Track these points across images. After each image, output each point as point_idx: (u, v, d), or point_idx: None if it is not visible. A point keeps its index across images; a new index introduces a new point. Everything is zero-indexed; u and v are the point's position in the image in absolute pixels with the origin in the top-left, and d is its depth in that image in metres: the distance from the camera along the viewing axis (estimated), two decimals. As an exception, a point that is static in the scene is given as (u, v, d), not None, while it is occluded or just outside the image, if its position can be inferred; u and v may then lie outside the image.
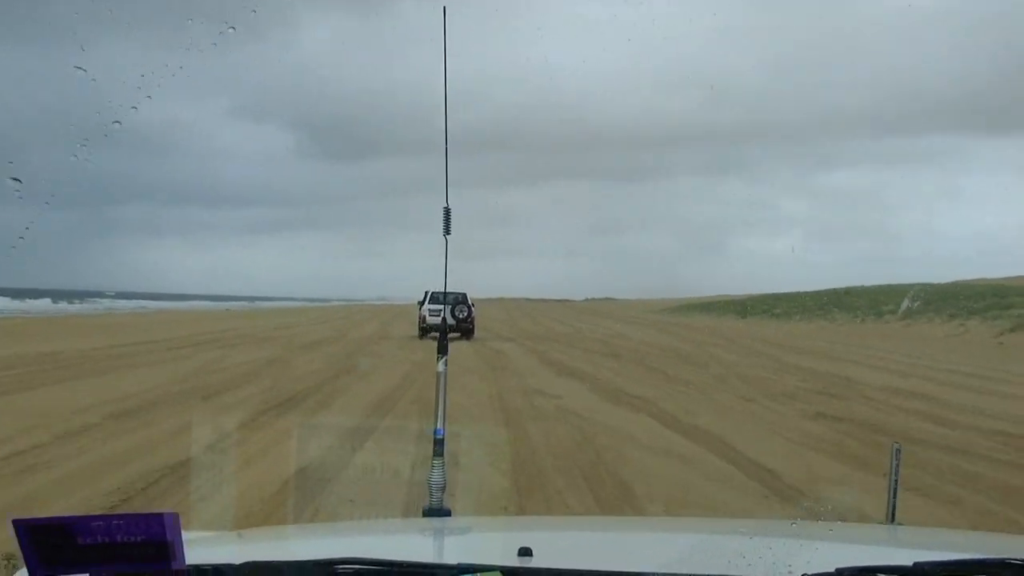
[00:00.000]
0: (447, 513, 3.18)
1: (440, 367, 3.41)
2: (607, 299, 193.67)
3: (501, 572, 1.78)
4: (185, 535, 1.63)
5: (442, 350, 3.48)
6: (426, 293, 39.63)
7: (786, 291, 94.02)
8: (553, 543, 2.65)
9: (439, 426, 3.33)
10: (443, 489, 3.20)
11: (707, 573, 1.96)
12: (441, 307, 38.40)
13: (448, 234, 3.43)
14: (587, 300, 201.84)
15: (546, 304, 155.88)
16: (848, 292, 77.29)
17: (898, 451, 3.23)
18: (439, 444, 3.32)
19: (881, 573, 1.91)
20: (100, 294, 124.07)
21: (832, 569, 1.89)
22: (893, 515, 3.16)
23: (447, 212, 3.43)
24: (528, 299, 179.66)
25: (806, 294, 79.99)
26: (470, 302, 40.31)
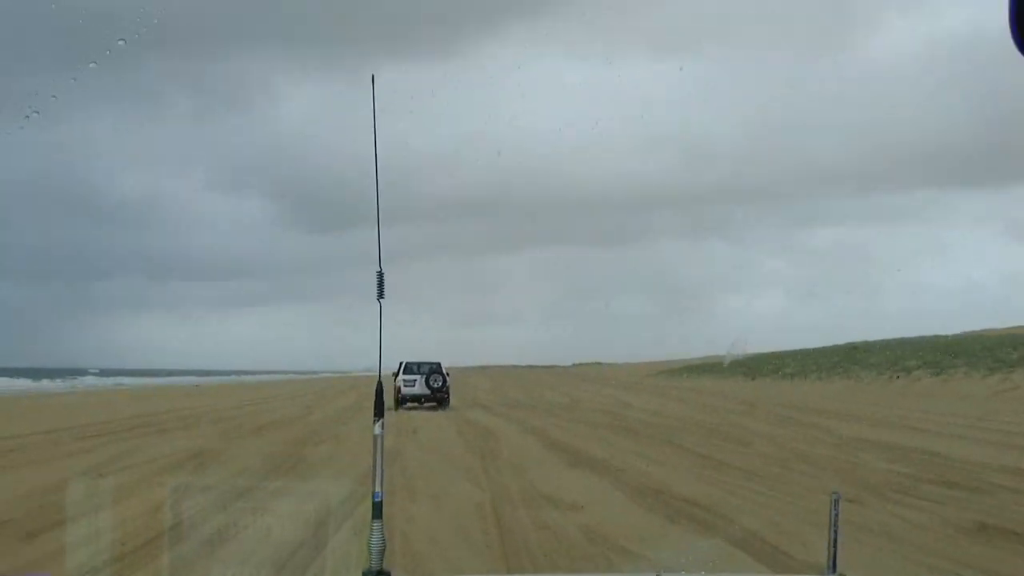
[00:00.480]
0: (387, 575, 3.06)
1: (376, 430, 3.20)
2: (595, 363, 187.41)
3: None
4: None
5: (378, 413, 3.27)
6: (400, 364, 38.42)
7: (782, 349, 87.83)
8: None
9: (377, 489, 3.15)
10: (383, 551, 3.08)
11: None
12: (415, 377, 38.55)
13: (382, 298, 3.27)
14: (575, 365, 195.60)
15: (534, 371, 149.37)
16: (856, 348, 71.14)
17: (836, 501, 3.07)
18: (377, 507, 3.14)
19: None
20: (84, 371, 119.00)
21: None
22: (834, 566, 2.99)
23: (380, 277, 3.26)
24: (515, 366, 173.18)
25: (810, 351, 73.81)
26: (445, 371, 39.08)
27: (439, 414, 35.16)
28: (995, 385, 42.23)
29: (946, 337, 73.49)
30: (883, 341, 76.02)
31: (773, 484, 15.21)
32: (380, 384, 3.37)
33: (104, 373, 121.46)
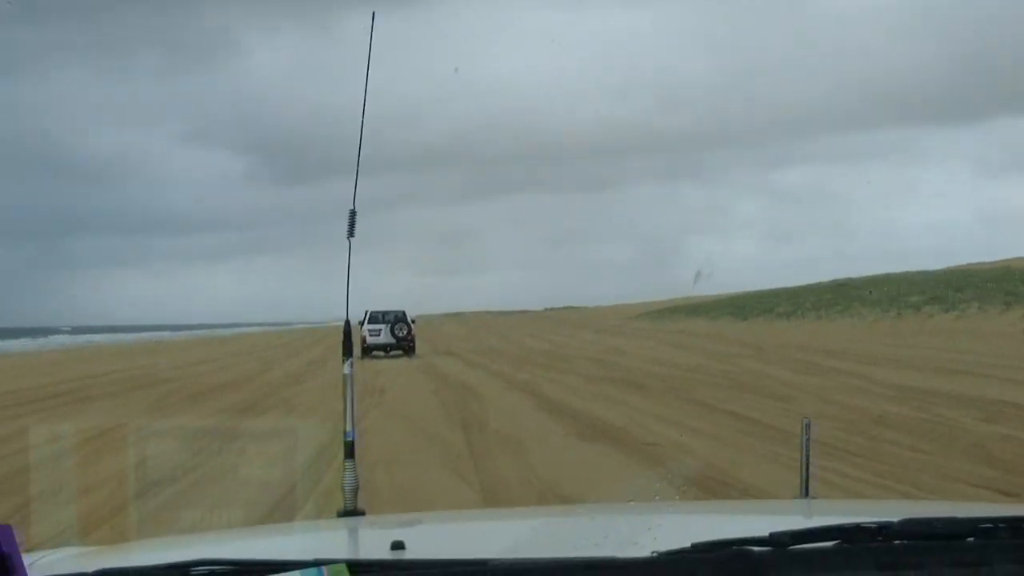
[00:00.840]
0: (361, 514, 2.93)
1: (346, 370, 3.12)
2: (567, 308, 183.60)
3: (360, 566, 1.69)
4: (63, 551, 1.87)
5: (347, 353, 3.16)
6: (366, 313, 36.89)
7: (761, 288, 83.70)
8: (428, 535, 2.54)
9: (348, 428, 3.04)
10: (356, 491, 2.95)
11: (551, 556, 1.77)
12: (380, 326, 37.81)
13: (352, 236, 3.11)
14: (547, 310, 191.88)
15: (507, 316, 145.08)
16: (844, 284, 67.01)
17: (808, 426, 3.06)
18: (349, 447, 3.01)
19: (736, 545, 1.70)
20: (56, 330, 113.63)
21: (688, 544, 1.72)
22: (806, 490, 2.90)
23: (352, 215, 3.10)
24: (487, 312, 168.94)
25: (795, 289, 69.53)
26: (410, 320, 38.60)
27: (410, 367, 30.69)
28: (1019, 321, 38.09)
29: (932, 272, 69.56)
30: (869, 277, 71.94)
31: (875, 465, 10.79)
32: (348, 323, 3.14)
33: (77, 331, 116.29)
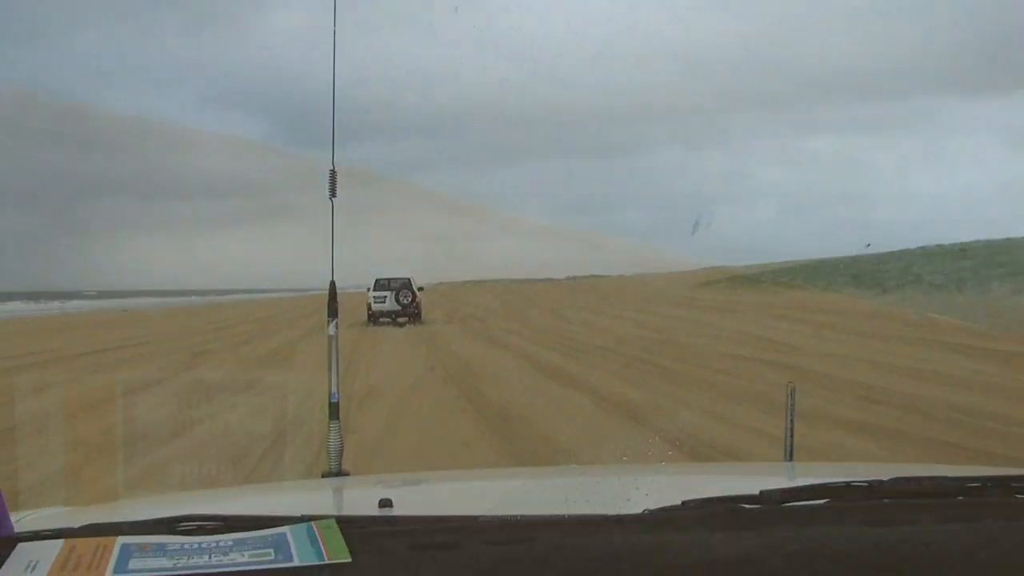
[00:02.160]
0: (345, 475, 2.90)
1: (331, 331, 3.03)
2: (591, 276, 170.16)
3: (349, 521, 1.59)
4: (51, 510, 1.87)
5: (332, 313, 3.09)
6: (375, 280, 36.79)
7: (799, 259, 70.02)
8: (415, 494, 2.51)
9: (333, 390, 2.99)
10: (340, 452, 2.90)
11: (541, 513, 1.69)
12: (385, 293, 36.39)
13: (334, 197, 3.07)
14: (569, 278, 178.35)
15: (531, 285, 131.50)
16: (965, 249, 53.11)
17: (792, 391, 3.00)
18: (334, 409, 2.97)
19: (727, 503, 1.67)
20: (79, 294, 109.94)
21: (679, 501, 1.69)
22: (791, 454, 2.85)
23: (332, 175, 3.05)
24: (510, 279, 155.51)
25: (905, 254, 55.59)
26: (415, 287, 37.20)
27: (432, 379, 16.87)
28: None
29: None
30: (980, 242, 58.04)
31: None
32: (333, 284, 3.17)
33: (103, 295, 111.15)
